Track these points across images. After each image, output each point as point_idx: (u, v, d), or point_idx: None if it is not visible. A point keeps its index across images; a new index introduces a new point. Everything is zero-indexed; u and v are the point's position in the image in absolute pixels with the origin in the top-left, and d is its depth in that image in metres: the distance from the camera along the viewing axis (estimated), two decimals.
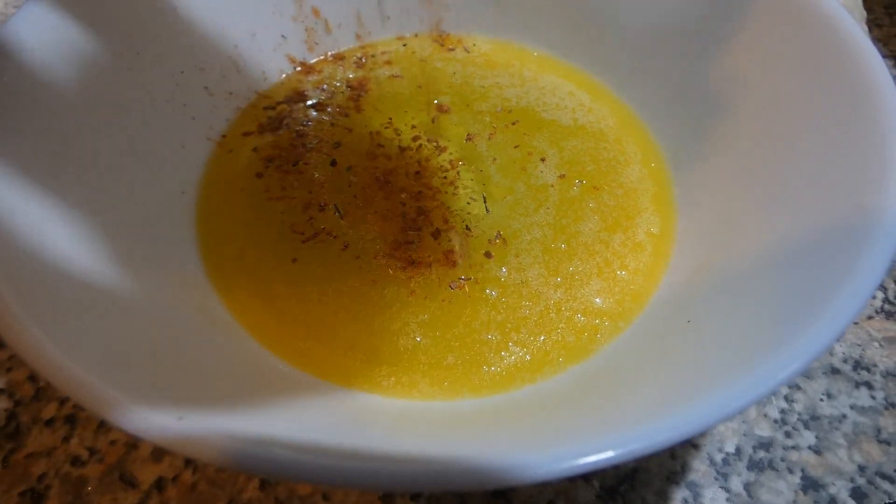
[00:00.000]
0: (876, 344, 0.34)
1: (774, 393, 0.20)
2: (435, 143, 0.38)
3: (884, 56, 0.46)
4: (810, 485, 0.30)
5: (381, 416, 0.27)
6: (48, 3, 0.29)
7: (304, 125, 0.39)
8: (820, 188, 0.26)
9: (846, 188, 0.25)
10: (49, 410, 0.32)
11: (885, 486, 0.30)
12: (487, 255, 0.34)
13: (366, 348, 0.30)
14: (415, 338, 0.31)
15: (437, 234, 0.34)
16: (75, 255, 0.26)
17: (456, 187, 0.36)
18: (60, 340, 0.20)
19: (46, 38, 0.29)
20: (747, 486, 0.30)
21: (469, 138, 0.38)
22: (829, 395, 0.32)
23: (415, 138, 0.38)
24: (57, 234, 0.26)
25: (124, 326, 0.24)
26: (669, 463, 0.31)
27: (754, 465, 0.30)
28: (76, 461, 0.31)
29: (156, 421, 0.18)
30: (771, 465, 0.30)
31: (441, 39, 0.44)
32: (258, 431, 0.19)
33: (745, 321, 0.25)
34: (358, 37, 0.44)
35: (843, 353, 0.34)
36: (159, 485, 0.30)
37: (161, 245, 0.31)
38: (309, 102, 0.40)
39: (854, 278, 0.21)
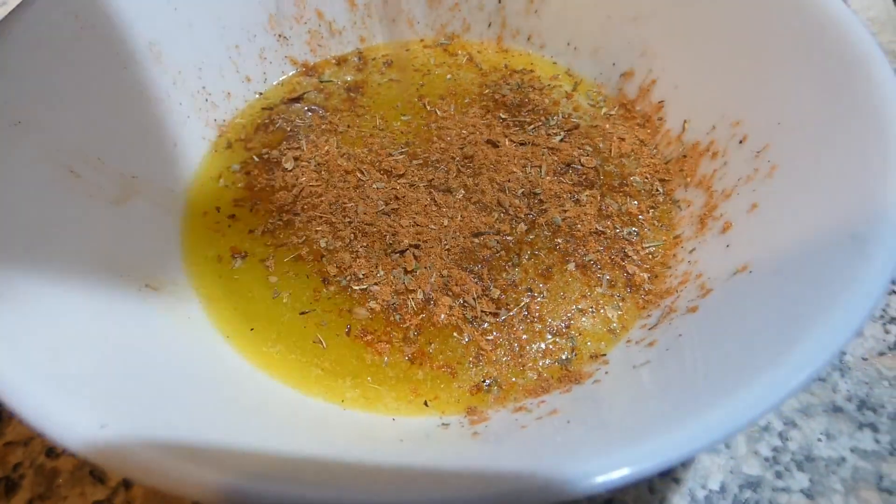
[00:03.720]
0: (886, 383, 0.31)
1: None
2: (427, 147, 0.37)
3: None
4: None
5: (340, 428, 0.27)
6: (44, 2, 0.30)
7: (298, 126, 0.39)
8: (824, 200, 0.24)
9: (847, 201, 0.23)
10: None
11: None
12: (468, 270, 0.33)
13: (332, 357, 0.30)
14: (385, 351, 0.30)
15: (409, 253, 0.33)
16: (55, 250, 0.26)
17: (445, 193, 0.35)
18: None
19: (41, 35, 0.29)
20: None
21: (464, 144, 0.37)
22: (829, 436, 0.30)
23: (407, 143, 0.37)
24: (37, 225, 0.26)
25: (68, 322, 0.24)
26: (647, 496, 0.29)
27: None
28: (51, 452, 0.31)
29: (75, 428, 0.18)
30: None
31: (445, 45, 0.43)
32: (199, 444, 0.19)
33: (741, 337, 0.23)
34: (362, 40, 0.43)
35: (848, 391, 0.31)
36: (126, 482, 0.30)
37: (144, 243, 0.32)
38: (306, 104, 0.40)
39: (853, 293, 0.19)
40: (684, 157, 0.35)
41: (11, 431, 0.32)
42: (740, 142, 0.31)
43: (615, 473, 0.16)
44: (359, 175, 0.36)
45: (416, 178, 0.36)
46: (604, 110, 0.40)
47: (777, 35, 0.30)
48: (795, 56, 0.29)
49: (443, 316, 0.31)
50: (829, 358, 0.18)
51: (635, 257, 0.33)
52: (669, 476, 0.29)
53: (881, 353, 0.32)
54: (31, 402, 0.19)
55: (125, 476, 0.17)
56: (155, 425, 0.20)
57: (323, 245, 0.33)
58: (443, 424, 0.27)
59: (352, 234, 0.34)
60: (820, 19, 0.28)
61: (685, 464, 0.29)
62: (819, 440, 0.30)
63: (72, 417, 0.18)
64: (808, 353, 0.18)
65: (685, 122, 0.35)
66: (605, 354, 0.30)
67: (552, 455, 0.19)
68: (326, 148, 0.38)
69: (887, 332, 0.33)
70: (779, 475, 0.29)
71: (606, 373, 0.28)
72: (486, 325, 0.31)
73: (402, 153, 0.37)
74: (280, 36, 0.41)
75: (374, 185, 0.35)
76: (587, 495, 0.17)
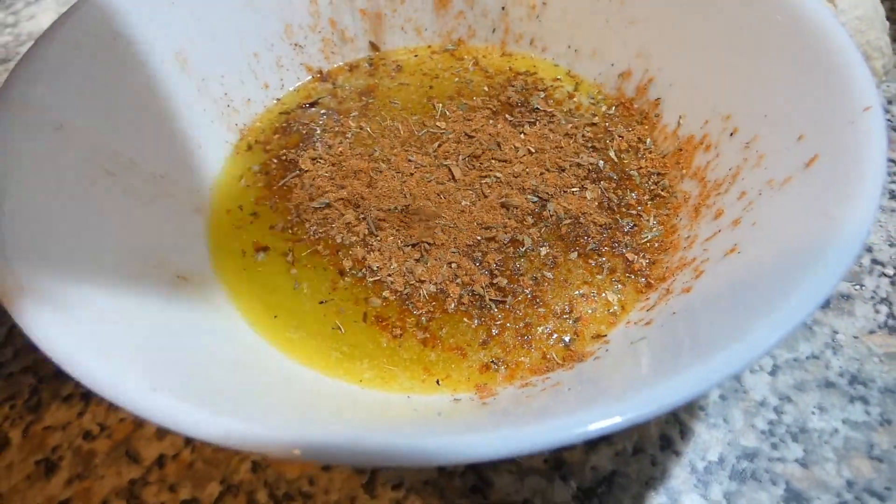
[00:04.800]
0: (876, 359, 0.33)
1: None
2: (436, 146, 0.39)
3: None
4: (794, 497, 0.29)
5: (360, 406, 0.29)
6: (80, 14, 0.32)
7: (314, 129, 0.41)
8: (804, 184, 0.26)
9: (824, 185, 0.25)
10: (68, 387, 0.35)
11: (873, 502, 0.29)
12: (477, 262, 0.35)
13: (350, 342, 0.32)
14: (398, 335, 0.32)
15: (420, 246, 0.35)
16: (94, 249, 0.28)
17: (454, 190, 0.37)
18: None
19: (79, 45, 0.32)
20: (727, 496, 0.29)
21: (472, 143, 0.39)
22: (822, 409, 0.32)
23: (417, 143, 0.40)
24: (75, 223, 0.28)
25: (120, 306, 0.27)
26: (649, 469, 0.31)
27: (737, 475, 0.30)
28: (87, 435, 0.33)
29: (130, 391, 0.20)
30: (754, 476, 0.30)
31: (452, 50, 0.46)
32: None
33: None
34: (373, 46, 0.46)
35: (840, 367, 0.33)
36: (160, 461, 0.32)
37: (174, 239, 0.34)
38: (321, 108, 0.42)
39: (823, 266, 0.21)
40: (680, 150, 0.37)
41: (50, 416, 0.34)
42: (731, 134, 0.33)
43: (606, 422, 0.18)
44: (371, 174, 0.38)
45: (427, 176, 0.38)
46: (604, 109, 0.42)
47: (761, 35, 0.32)
48: (778, 54, 0.31)
49: (453, 304, 0.33)
50: (802, 319, 0.20)
51: (635, 246, 0.35)
52: (670, 449, 0.31)
53: (871, 332, 0.34)
54: (96, 373, 0.21)
55: (179, 433, 0.19)
56: (196, 392, 0.22)
57: (339, 240, 0.36)
58: (455, 400, 0.29)
59: (366, 230, 0.36)
60: (800, 20, 0.30)
61: (685, 437, 0.31)
62: (813, 413, 0.32)
63: (128, 383, 0.20)
64: (787, 313, 0.20)
65: (680, 117, 0.37)
66: (605, 335, 0.31)
67: (554, 410, 0.21)
68: (340, 149, 0.40)
69: (877, 311, 0.35)
70: (774, 446, 0.31)
71: (607, 350, 0.30)
72: (493, 310, 0.33)
73: (412, 152, 0.39)
74: (295, 45, 0.43)
75: (386, 183, 0.38)
76: (583, 441, 0.19)
